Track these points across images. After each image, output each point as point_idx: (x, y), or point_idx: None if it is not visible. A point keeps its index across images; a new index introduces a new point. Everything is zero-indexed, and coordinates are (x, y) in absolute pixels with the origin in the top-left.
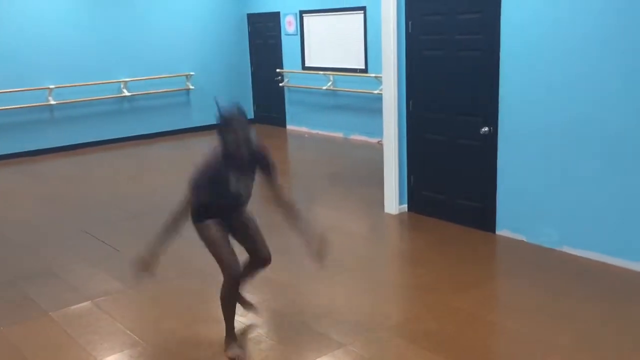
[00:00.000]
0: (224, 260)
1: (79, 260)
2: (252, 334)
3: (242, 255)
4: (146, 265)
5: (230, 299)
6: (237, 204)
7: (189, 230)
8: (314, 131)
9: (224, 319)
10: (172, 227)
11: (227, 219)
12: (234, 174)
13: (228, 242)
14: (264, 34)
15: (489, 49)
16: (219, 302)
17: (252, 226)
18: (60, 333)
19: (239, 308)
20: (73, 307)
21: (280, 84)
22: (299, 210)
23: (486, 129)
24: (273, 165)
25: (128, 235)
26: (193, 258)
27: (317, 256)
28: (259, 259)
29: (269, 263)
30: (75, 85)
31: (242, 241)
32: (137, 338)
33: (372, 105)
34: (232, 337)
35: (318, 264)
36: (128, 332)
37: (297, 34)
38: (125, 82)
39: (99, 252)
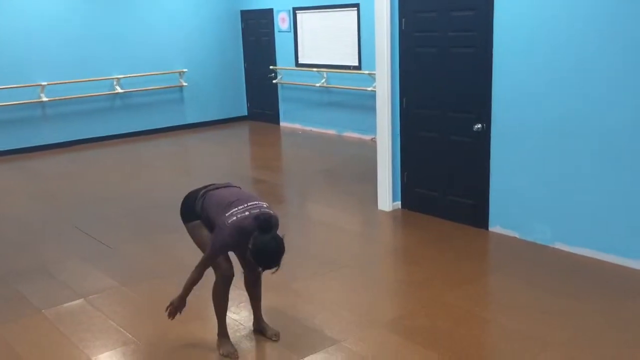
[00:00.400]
0: (217, 260)
1: (72, 257)
2: (245, 332)
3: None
4: (177, 309)
5: (222, 295)
6: None
7: (183, 227)
8: (308, 128)
9: (216, 316)
10: (196, 280)
11: None
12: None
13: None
14: (257, 31)
15: (482, 46)
16: (211, 300)
17: None
18: (53, 331)
19: (233, 304)
20: (66, 304)
21: (274, 81)
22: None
23: (479, 126)
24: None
25: (121, 232)
26: (185, 256)
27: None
28: (251, 269)
29: (260, 270)
30: (67, 82)
31: (235, 250)
32: (130, 336)
33: (366, 103)
34: (225, 334)
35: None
36: (121, 329)
37: (290, 31)
38: (118, 79)
39: (92, 250)
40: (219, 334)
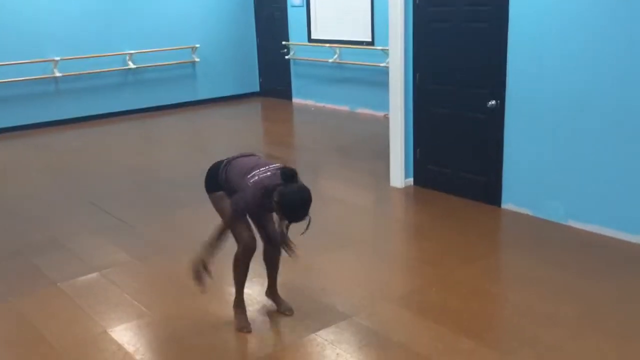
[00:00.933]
0: (238, 231)
1: (86, 231)
2: (258, 306)
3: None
4: (202, 273)
5: (242, 267)
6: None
7: (196, 202)
8: (320, 104)
9: (234, 284)
10: (217, 243)
11: None
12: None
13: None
14: (270, 6)
15: (497, 21)
16: (225, 274)
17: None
18: (69, 303)
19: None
20: (81, 278)
21: (286, 57)
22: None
23: (493, 102)
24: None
25: (135, 207)
26: (199, 231)
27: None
28: (268, 236)
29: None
30: (80, 58)
31: (256, 220)
32: (144, 309)
33: (379, 79)
34: (241, 306)
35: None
36: (135, 302)
37: (303, 6)
38: (131, 54)
39: (106, 224)
40: (234, 305)
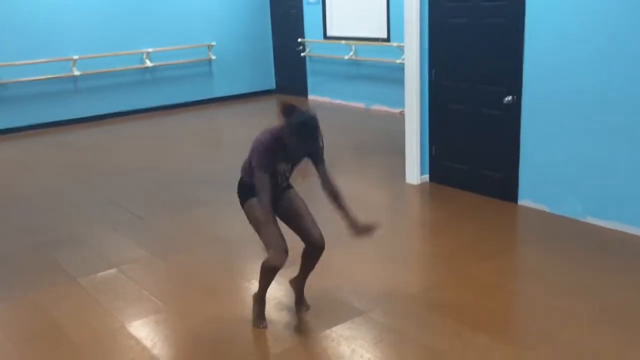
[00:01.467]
0: (268, 240)
1: (105, 228)
2: (274, 302)
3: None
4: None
5: (269, 273)
6: (282, 183)
7: (213, 200)
8: (336, 101)
9: (258, 285)
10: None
11: (273, 197)
12: (284, 158)
13: (275, 222)
14: (285, 3)
15: (514, 16)
16: (242, 272)
17: (298, 203)
18: (88, 298)
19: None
20: (100, 273)
21: (302, 54)
22: (343, 197)
23: (509, 98)
24: (322, 155)
25: (152, 204)
26: (217, 228)
27: (358, 235)
28: (309, 242)
29: (321, 246)
30: (98, 56)
31: (288, 220)
32: (161, 305)
33: (394, 75)
34: (261, 302)
35: (356, 238)
36: (153, 298)
37: (318, 3)
38: (148, 52)
39: (125, 221)
40: (255, 299)
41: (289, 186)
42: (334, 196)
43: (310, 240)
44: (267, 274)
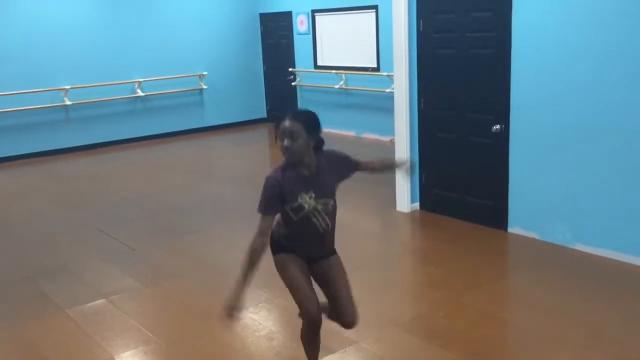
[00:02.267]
0: (300, 300)
1: (94, 258)
2: (265, 331)
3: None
4: (234, 309)
5: (310, 340)
6: (318, 230)
7: (204, 228)
8: (326, 130)
9: (305, 355)
10: (251, 267)
11: (309, 253)
12: (303, 188)
13: (307, 280)
14: (276, 34)
15: (500, 47)
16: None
17: (337, 272)
18: (76, 329)
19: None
20: (89, 304)
21: (293, 83)
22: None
23: (498, 126)
24: (346, 157)
25: (143, 233)
26: (208, 254)
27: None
28: (339, 320)
29: (352, 326)
30: (90, 86)
31: (322, 285)
32: (151, 335)
33: (384, 104)
34: None
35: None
36: (142, 328)
37: (309, 33)
38: (139, 82)
39: (114, 250)
40: None
41: (334, 252)
42: (389, 166)
43: (341, 320)
44: (308, 340)
